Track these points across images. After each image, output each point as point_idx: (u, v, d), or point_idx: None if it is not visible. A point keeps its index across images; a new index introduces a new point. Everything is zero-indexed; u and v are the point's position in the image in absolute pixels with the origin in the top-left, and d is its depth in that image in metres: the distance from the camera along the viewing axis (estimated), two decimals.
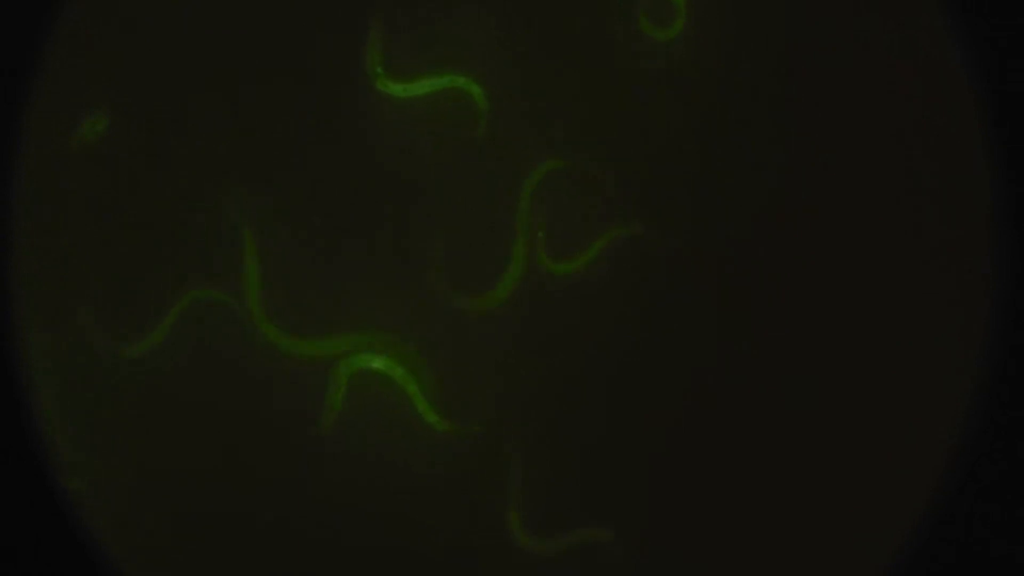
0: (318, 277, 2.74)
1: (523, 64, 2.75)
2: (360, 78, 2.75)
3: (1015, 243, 2.68)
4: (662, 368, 2.73)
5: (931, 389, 2.71)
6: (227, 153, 2.74)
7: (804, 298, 2.73)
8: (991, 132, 2.70)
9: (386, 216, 2.74)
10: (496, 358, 2.72)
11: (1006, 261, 2.68)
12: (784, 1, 2.76)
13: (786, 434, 2.71)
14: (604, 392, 2.73)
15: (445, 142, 2.75)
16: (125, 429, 2.70)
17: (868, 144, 2.75)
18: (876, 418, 2.71)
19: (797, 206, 2.74)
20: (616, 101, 2.75)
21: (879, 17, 2.75)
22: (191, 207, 2.73)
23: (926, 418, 2.70)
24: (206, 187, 2.73)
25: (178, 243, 2.73)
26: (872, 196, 2.74)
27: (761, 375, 2.72)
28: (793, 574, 2.69)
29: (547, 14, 2.75)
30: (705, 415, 2.72)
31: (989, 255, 2.69)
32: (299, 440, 2.70)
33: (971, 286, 2.71)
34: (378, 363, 2.72)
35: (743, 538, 2.70)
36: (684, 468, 2.72)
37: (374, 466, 2.70)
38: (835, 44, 2.75)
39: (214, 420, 2.70)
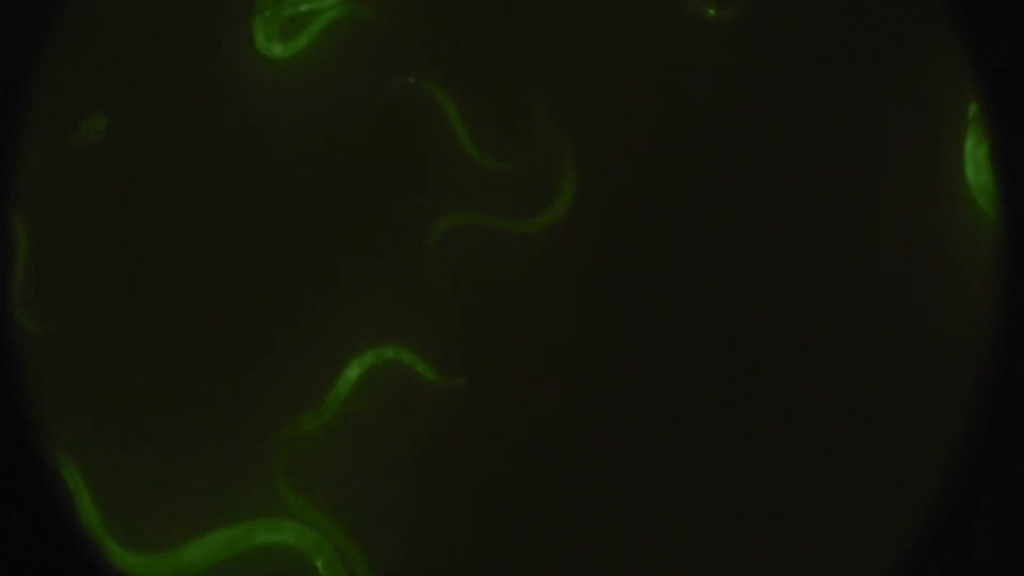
0: (321, 280, 2.74)
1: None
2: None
3: (1015, 242, 2.68)
4: (656, 362, 2.73)
5: (931, 390, 2.71)
6: (227, 151, 2.75)
7: (807, 297, 2.73)
8: (991, 132, 2.70)
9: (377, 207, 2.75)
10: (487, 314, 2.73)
11: (1008, 261, 2.67)
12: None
13: (785, 436, 2.71)
14: (592, 387, 2.73)
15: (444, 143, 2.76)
16: (126, 430, 2.70)
17: (868, 143, 2.75)
18: (876, 420, 2.71)
19: (797, 204, 2.74)
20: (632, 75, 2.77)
21: (880, 16, 2.76)
22: (192, 206, 2.73)
23: (926, 420, 2.70)
24: (208, 185, 2.74)
25: (179, 242, 2.73)
26: (870, 195, 2.74)
27: (761, 375, 2.72)
28: None
29: None
30: (700, 414, 2.72)
31: (990, 254, 2.69)
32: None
33: (971, 287, 2.71)
34: (374, 357, 2.72)
35: (742, 538, 2.70)
36: (678, 467, 2.72)
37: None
38: (841, 45, 2.76)
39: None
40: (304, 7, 2.76)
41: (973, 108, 2.72)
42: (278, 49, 2.75)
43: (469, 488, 2.70)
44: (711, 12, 2.74)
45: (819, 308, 2.73)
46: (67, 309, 2.71)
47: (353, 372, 2.71)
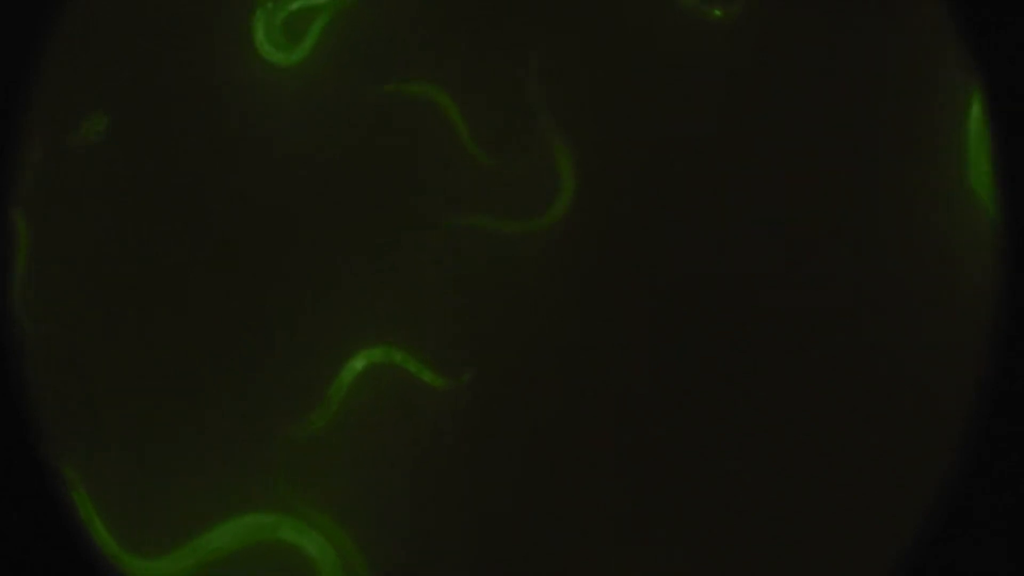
0: (318, 282, 2.74)
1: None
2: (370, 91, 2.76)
3: (1015, 242, 2.68)
4: (656, 362, 2.73)
5: (931, 390, 2.71)
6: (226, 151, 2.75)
7: (807, 296, 2.73)
8: (991, 132, 2.70)
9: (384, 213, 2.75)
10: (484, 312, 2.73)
11: (1008, 261, 2.67)
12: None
13: (785, 436, 2.71)
14: (586, 385, 2.73)
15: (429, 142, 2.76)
16: (126, 429, 2.70)
17: (869, 143, 2.75)
18: (876, 420, 2.71)
19: (797, 204, 2.74)
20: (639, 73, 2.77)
21: (882, 17, 2.76)
22: (191, 206, 2.73)
23: (926, 420, 2.70)
24: (207, 185, 2.74)
25: (179, 242, 2.73)
26: (871, 195, 2.74)
27: (761, 375, 2.72)
28: None
29: None
30: (700, 413, 2.72)
31: (990, 255, 2.69)
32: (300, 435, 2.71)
33: (971, 287, 2.71)
34: (377, 355, 2.73)
35: (742, 538, 2.71)
36: (678, 467, 2.71)
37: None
38: (842, 45, 2.76)
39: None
40: (296, 4, 2.76)
41: (975, 108, 2.72)
42: (280, 56, 2.75)
43: (469, 488, 2.70)
44: (717, 13, 2.74)
45: (819, 308, 2.73)
46: (67, 309, 2.71)
47: (359, 363, 2.71)
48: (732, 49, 2.76)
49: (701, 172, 2.76)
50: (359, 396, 2.72)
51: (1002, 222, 2.68)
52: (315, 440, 2.70)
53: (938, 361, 2.71)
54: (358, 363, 2.72)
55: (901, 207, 2.74)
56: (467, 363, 2.72)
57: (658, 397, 2.72)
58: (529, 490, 2.71)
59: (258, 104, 2.75)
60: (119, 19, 2.74)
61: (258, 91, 2.76)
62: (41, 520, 2.61)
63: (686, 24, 2.77)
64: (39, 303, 2.70)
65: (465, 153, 2.75)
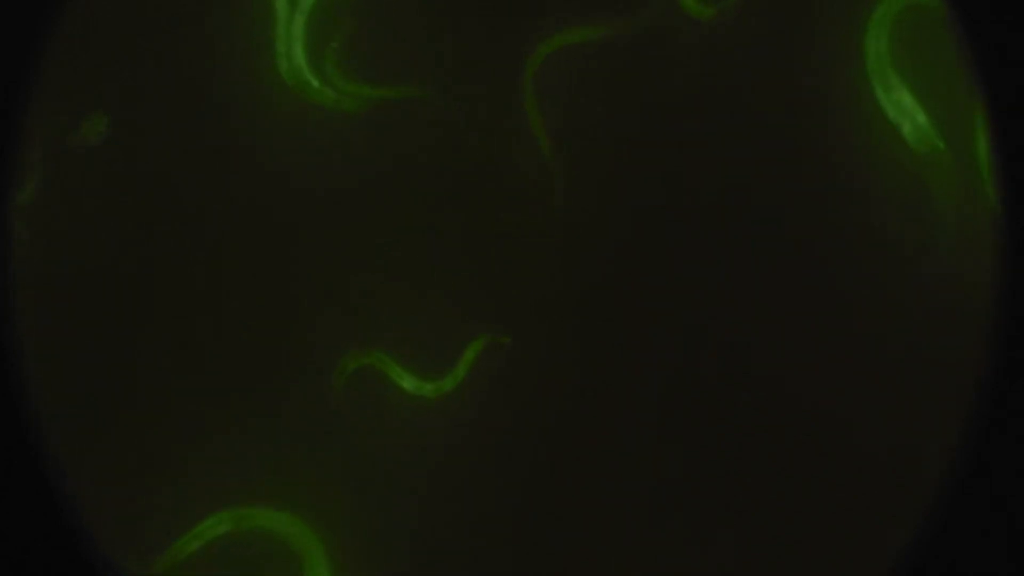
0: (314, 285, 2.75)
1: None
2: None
3: (1016, 242, 2.68)
4: (656, 363, 2.73)
5: (931, 389, 2.71)
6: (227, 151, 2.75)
7: (807, 296, 2.73)
8: (991, 130, 2.70)
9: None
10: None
11: (1009, 261, 2.67)
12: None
13: (785, 435, 2.71)
14: (587, 391, 2.73)
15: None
16: (126, 431, 2.70)
17: (869, 142, 2.75)
18: (876, 419, 2.71)
19: (797, 203, 2.74)
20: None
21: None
22: (191, 206, 2.74)
23: (926, 420, 2.70)
24: (207, 185, 2.74)
25: (179, 242, 2.73)
26: (870, 194, 2.74)
27: (762, 376, 2.72)
28: None
29: None
30: (700, 414, 2.72)
31: (991, 254, 2.69)
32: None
33: (971, 287, 2.71)
34: (373, 357, 2.73)
35: (742, 538, 2.70)
36: (678, 467, 2.71)
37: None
38: (841, 44, 2.76)
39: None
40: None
41: (976, 108, 2.72)
42: (315, 82, 2.76)
43: (465, 491, 2.71)
44: None
45: (819, 307, 2.73)
46: (67, 309, 2.71)
47: (355, 365, 2.71)
48: (731, 49, 2.76)
49: (702, 171, 2.76)
50: (357, 397, 2.72)
51: (1002, 221, 2.68)
52: (314, 440, 2.70)
53: (938, 361, 2.71)
54: (354, 365, 2.72)
55: (901, 207, 2.74)
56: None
57: (657, 398, 2.72)
58: (527, 492, 2.71)
59: (257, 104, 2.76)
60: (119, 19, 2.74)
61: (258, 91, 2.76)
62: (41, 520, 2.61)
63: (685, 24, 2.77)
64: (39, 303, 2.71)
65: (463, 153, 2.76)
